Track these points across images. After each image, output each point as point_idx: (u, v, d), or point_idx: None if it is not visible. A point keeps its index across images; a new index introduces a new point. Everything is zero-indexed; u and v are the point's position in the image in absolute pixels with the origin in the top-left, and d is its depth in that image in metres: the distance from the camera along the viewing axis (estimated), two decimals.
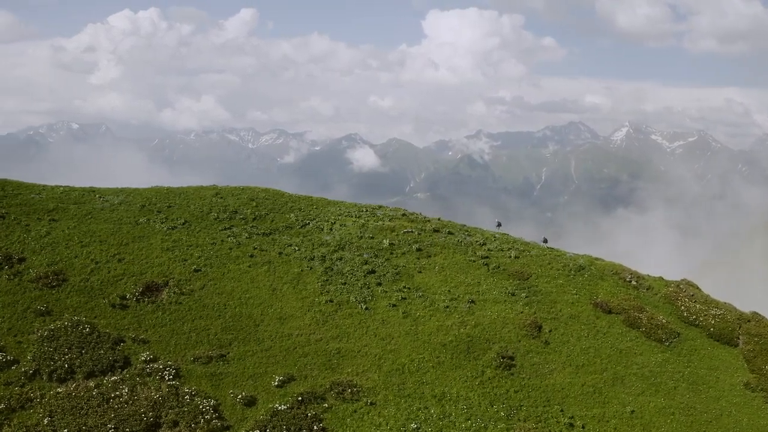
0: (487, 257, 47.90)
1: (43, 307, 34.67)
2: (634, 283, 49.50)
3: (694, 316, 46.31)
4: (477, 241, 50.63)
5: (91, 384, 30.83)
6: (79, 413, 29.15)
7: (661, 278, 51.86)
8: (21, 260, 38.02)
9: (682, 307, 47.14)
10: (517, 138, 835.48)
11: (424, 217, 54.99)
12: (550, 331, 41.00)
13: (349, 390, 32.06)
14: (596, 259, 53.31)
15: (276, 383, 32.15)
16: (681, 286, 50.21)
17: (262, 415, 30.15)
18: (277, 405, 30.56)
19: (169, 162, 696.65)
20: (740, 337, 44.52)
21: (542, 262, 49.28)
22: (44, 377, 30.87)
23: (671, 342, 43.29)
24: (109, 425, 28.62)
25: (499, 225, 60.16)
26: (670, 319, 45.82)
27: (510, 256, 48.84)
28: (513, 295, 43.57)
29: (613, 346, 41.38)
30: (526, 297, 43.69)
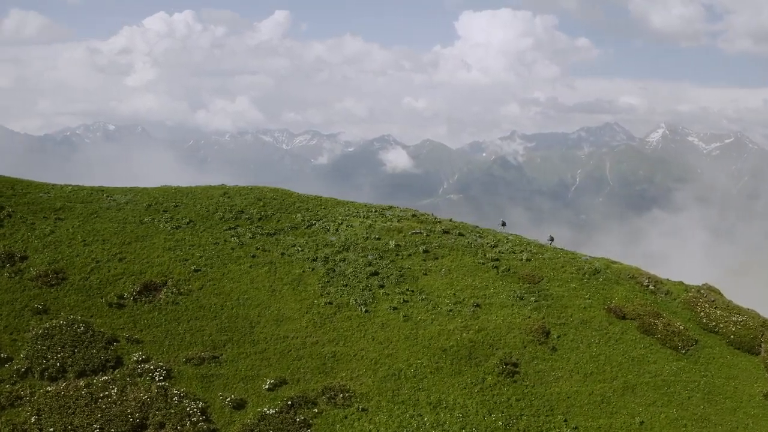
0: (497, 260, 46.52)
1: (41, 305, 34.73)
2: (652, 287, 47.51)
3: (713, 323, 44.16)
4: (488, 243, 49.27)
5: (81, 383, 30.67)
6: (67, 412, 28.99)
7: (681, 283, 49.71)
8: (23, 258, 38.21)
9: (702, 313, 45.02)
10: (551, 139, 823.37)
11: (435, 218, 53.83)
12: (558, 337, 39.48)
13: (341, 395, 31.22)
14: (613, 262, 51.40)
15: (267, 386, 31.51)
16: (702, 291, 48.01)
17: (250, 418, 29.55)
18: (265, 409, 29.91)
19: (204, 163, 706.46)
20: (762, 344, 42.25)
21: (555, 265, 47.67)
22: (36, 375, 30.85)
23: (688, 350, 41.31)
24: (95, 425, 28.40)
25: (504, 224, 58.50)
26: (688, 326, 43.78)
27: (521, 259, 47.36)
28: (521, 299, 42.14)
29: (625, 353, 39.64)
30: (536, 301, 42.22)
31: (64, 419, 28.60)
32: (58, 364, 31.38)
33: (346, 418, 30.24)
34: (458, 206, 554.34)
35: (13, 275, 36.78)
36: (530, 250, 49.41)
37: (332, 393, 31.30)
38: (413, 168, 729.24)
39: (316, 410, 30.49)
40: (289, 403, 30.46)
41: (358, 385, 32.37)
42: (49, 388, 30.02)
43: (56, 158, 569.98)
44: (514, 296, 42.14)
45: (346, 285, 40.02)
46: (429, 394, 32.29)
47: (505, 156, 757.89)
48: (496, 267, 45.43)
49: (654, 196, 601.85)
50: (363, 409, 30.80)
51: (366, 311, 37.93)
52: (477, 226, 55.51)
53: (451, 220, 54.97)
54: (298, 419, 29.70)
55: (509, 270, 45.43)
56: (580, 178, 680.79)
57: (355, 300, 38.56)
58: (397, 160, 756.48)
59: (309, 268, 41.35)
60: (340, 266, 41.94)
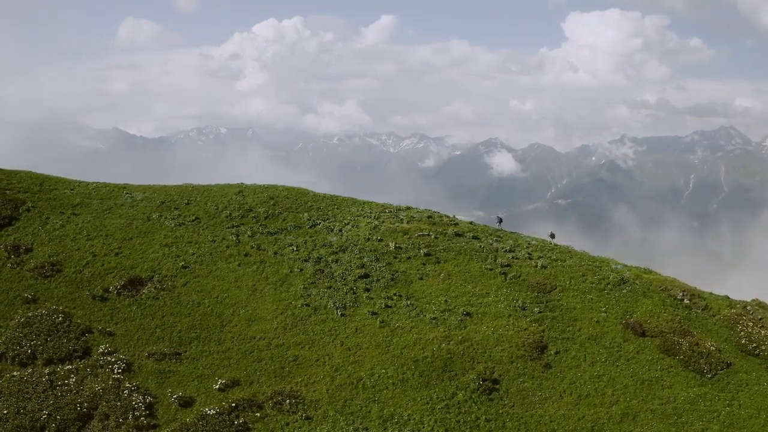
0: (507, 265, 43.19)
1: (31, 295, 36.26)
2: (687, 301, 42.16)
3: (754, 344, 38.40)
4: (504, 248, 45.90)
5: (46, 371, 31.67)
6: (24, 397, 30.15)
7: (726, 297, 43.79)
8: (28, 250, 40.13)
9: (741, 333, 39.30)
10: (663, 143, 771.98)
11: (451, 220, 51.06)
12: (556, 352, 35.80)
13: (289, 401, 29.94)
14: (647, 271, 46.24)
15: (218, 386, 30.96)
16: (748, 308, 41.97)
17: (190, 418, 28.94)
18: (207, 409, 29.16)
19: (313, 166, 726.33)
20: None
21: (575, 273, 43.53)
22: (8, 361, 32.21)
23: (715, 374, 36.11)
24: (44, 411, 29.33)
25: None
26: (723, 347, 38.34)
27: (536, 266, 43.67)
28: (523, 309, 38.71)
29: (635, 374, 35.26)
30: (539, 312, 38.63)
31: (19, 403, 29.72)
32: (29, 351, 32.61)
33: (287, 425, 28.93)
34: (566, 212, 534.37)
35: (14, 266, 38.69)
36: (550, 257, 45.47)
37: (280, 398, 30.10)
38: (520, 172, 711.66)
39: (259, 414, 29.46)
40: (233, 404, 29.66)
41: (312, 391, 30.91)
42: (15, 373, 31.09)
43: (170, 160, 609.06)
44: (514, 306, 38.79)
45: (330, 287, 38.64)
46: (383, 407, 30.19)
47: (615, 160, 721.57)
48: (504, 273, 42.17)
49: None
50: (307, 418, 29.32)
51: (342, 315, 36.34)
52: (500, 230, 52.00)
53: (471, 223, 51.99)
54: (237, 422, 28.88)
55: (519, 277, 42.00)
56: (694, 184, 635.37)
57: (334, 303, 37.09)
58: (504, 163, 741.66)
59: (298, 268, 40.36)
60: (330, 267, 40.63)
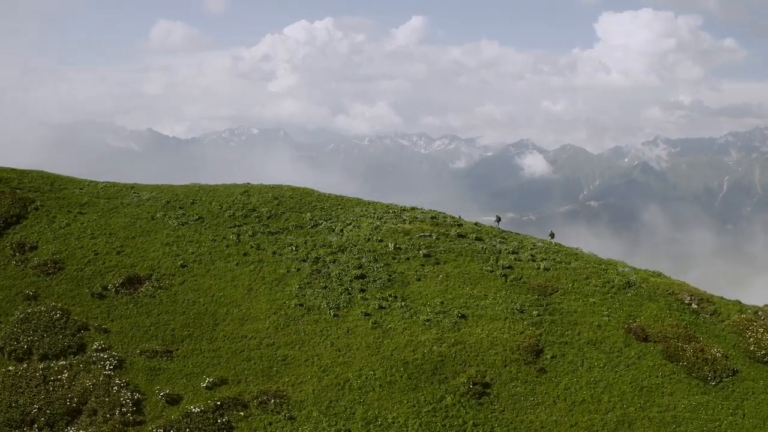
0: (509, 267, 42.46)
1: (32, 291, 36.96)
2: (695, 306, 40.88)
3: (763, 351, 37.00)
4: (507, 249, 45.14)
5: (41, 366, 32.18)
6: (17, 391, 30.81)
7: (737, 302, 42.29)
8: (33, 248, 40.89)
9: (751, 339, 37.91)
10: (697, 144, 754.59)
11: (455, 221, 50.43)
12: (553, 357, 35.01)
13: (274, 401, 29.86)
14: (655, 275, 44.97)
15: (205, 385, 31.02)
16: (759, 313, 40.47)
17: (175, 415, 29.04)
18: (192, 407, 29.23)
19: (343, 167, 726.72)
20: None
21: (578, 276, 42.57)
22: (5, 355, 32.85)
23: (720, 381, 34.89)
24: (35, 405, 29.84)
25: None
26: (731, 353, 37.05)
27: (538, 268, 42.82)
28: (521, 312, 37.97)
29: (634, 381, 34.27)
30: (538, 315, 37.85)
31: (12, 397, 30.39)
32: (25, 347, 33.25)
33: (270, 424, 28.85)
34: (598, 213, 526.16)
35: (19, 263, 39.48)
36: (554, 259, 44.54)
37: (266, 397, 30.06)
38: (552, 173, 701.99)
39: (243, 413, 29.44)
40: (219, 403, 29.72)
41: (298, 392, 30.77)
42: (10, 368, 31.61)
43: (201, 161, 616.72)
44: (512, 308, 38.07)
45: (326, 287, 38.48)
46: (368, 409, 29.86)
47: (648, 161, 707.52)
48: (505, 275, 41.46)
49: None
50: (291, 418, 29.20)
51: (335, 315, 36.13)
52: (506, 231, 51.21)
53: (476, 224, 51.25)
54: (221, 420, 28.93)
55: (520, 279, 41.25)
56: (727, 185, 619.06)
57: (328, 303, 36.91)
58: (535, 165, 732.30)
59: (295, 268, 40.32)
60: (328, 267, 40.48)
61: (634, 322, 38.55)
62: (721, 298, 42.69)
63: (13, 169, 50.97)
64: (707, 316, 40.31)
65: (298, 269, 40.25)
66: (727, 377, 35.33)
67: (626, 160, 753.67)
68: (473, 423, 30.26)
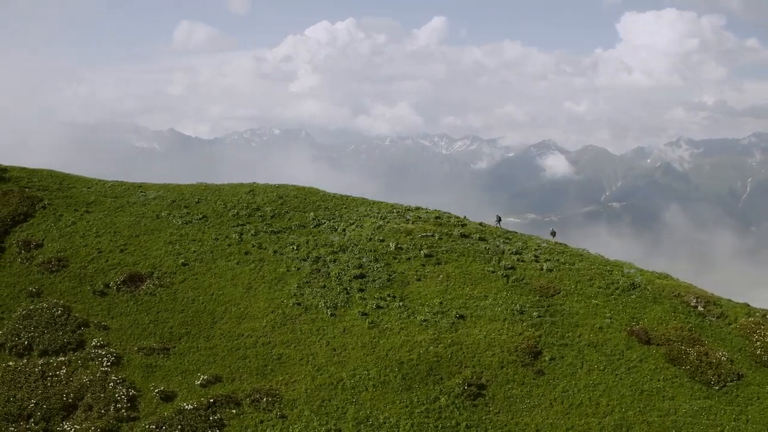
0: (511, 268, 42.04)
1: (36, 288, 37.50)
2: (701, 308, 40.06)
3: None
4: (510, 250, 44.71)
5: (40, 362, 32.59)
6: (15, 386, 31.26)
7: (745, 305, 41.34)
8: (38, 246, 41.49)
9: (758, 343, 37.02)
10: (720, 145, 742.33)
11: (459, 220, 50.07)
12: (551, 359, 34.55)
13: (266, 399, 29.89)
14: (662, 276, 44.17)
15: (200, 382, 31.18)
16: (767, 316, 39.56)
17: (168, 411, 29.22)
18: (185, 404, 29.38)
19: (364, 167, 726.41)
20: None
21: (582, 277, 41.99)
22: (6, 351, 33.38)
23: (724, 385, 34.13)
24: (33, 400, 30.22)
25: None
26: (736, 357, 36.23)
27: (541, 269, 42.33)
28: (521, 313, 37.56)
29: (634, 384, 33.68)
30: (538, 317, 37.41)
31: (11, 391, 30.87)
32: (26, 343, 33.76)
33: (261, 422, 28.90)
34: (620, 214, 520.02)
35: (24, 261, 40.08)
36: (558, 260, 44.00)
37: (258, 396, 30.12)
38: (574, 174, 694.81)
39: (235, 411, 29.53)
40: (212, 400, 29.84)
41: (290, 390, 30.78)
42: (11, 363, 32.04)
43: (224, 160, 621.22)
44: (512, 309, 37.68)
45: (324, 286, 38.45)
46: (360, 409, 29.74)
47: (671, 162, 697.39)
48: (506, 276, 41.05)
49: None
50: (282, 416, 29.20)
51: (332, 315, 36.08)
52: (510, 231, 50.72)
53: (481, 224, 50.83)
54: (212, 417, 29.02)
55: (521, 280, 40.82)
56: (751, 187, 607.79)
57: (326, 303, 36.88)
58: (557, 165, 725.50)
59: (295, 267, 40.37)
60: (328, 267, 40.44)
61: (637, 324, 37.91)
62: (729, 300, 41.77)
63: (24, 168, 51.79)
64: (713, 319, 39.48)
65: (298, 268, 40.29)
66: (731, 381, 34.55)
67: (649, 161, 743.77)
68: (466, 424, 29.98)
